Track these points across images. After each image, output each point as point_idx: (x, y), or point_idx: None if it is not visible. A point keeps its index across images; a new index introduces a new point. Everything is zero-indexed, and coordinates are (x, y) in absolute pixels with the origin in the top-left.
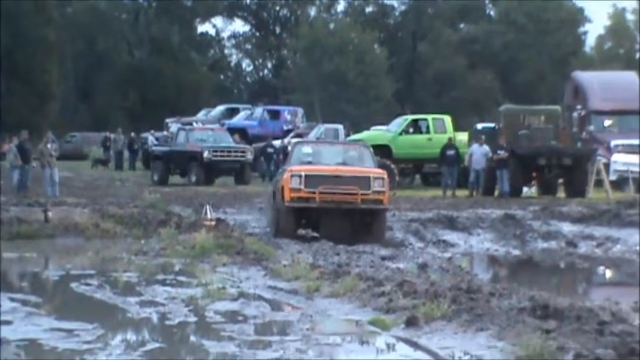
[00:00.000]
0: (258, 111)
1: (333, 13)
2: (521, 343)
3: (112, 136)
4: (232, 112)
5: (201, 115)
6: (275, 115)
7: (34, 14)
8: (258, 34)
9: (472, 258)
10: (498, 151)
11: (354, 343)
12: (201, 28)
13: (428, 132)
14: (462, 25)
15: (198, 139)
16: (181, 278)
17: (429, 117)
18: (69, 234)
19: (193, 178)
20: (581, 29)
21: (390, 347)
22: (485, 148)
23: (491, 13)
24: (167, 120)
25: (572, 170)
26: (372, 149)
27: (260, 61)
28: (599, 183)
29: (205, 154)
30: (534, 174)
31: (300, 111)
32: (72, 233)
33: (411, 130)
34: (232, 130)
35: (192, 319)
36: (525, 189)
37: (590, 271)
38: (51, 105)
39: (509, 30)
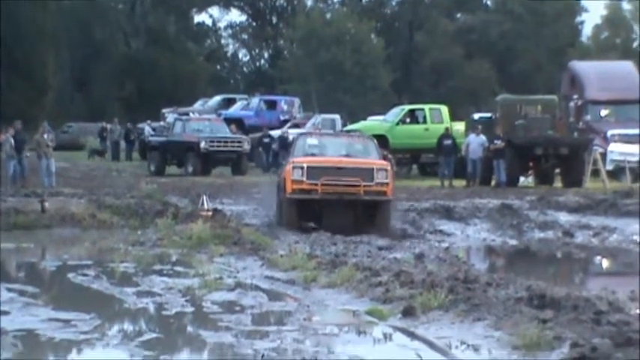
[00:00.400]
0: (255, 101)
1: (330, 3)
2: (518, 333)
3: (109, 126)
4: (229, 103)
5: (197, 105)
6: (272, 105)
7: (30, 5)
8: (254, 24)
9: (469, 248)
10: (495, 141)
11: (351, 333)
12: (198, 18)
13: (425, 122)
14: (458, 15)
15: (195, 130)
16: (178, 269)
17: (426, 107)
18: (66, 224)
19: (190, 169)
20: (578, 19)
21: (387, 337)
22: (482, 137)
23: (488, 2)
24: (164, 110)
25: (569, 160)
26: (374, 141)
27: (257, 51)
28: (595, 173)
29: (202, 145)
30: (531, 164)
31: (296, 101)
32: (69, 224)
33: (408, 120)
34: (229, 121)
35: (189, 309)
36: (522, 179)
37: (586, 260)
38: (47, 95)
39: (506, 20)
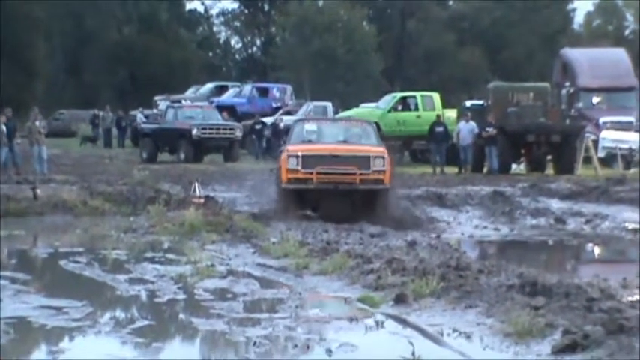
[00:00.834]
0: (247, 88)
1: None
2: (509, 320)
3: (101, 113)
4: (221, 90)
5: (189, 92)
6: (264, 92)
7: None
8: (246, 11)
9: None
10: (487, 129)
11: (343, 320)
12: (190, 5)
13: (417, 109)
14: (450, 2)
15: (187, 117)
16: (170, 256)
17: (418, 94)
18: (58, 211)
19: (182, 156)
20: (570, 6)
21: (379, 324)
22: (472, 124)
23: None
24: (156, 97)
25: (561, 147)
26: (374, 126)
27: (249, 38)
28: (587, 160)
29: (194, 132)
30: (523, 151)
31: (289, 88)
32: (61, 211)
33: (400, 107)
34: (221, 108)
35: (181, 296)
36: (514, 166)
37: (578, 247)
38: (38, 82)
39: (497, 7)
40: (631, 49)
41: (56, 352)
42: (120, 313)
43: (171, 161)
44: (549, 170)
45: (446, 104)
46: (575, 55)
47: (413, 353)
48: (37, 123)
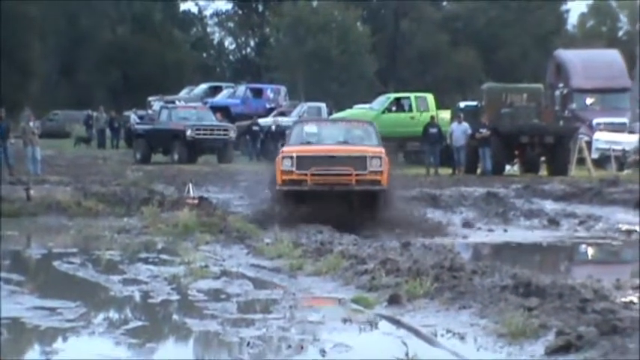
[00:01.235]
0: (241, 89)
1: None
2: (503, 321)
3: (95, 114)
4: (215, 91)
5: (183, 93)
6: (258, 93)
7: None
8: (240, 12)
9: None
10: (481, 130)
11: (336, 320)
12: (184, 5)
13: (411, 110)
14: (444, 3)
15: (181, 118)
16: (164, 256)
17: (412, 95)
18: (51, 212)
19: (176, 157)
20: (564, 7)
21: (372, 325)
22: (465, 125)
23: None
24: (150, 98)
25: (555, 148)
26: (376, 127)
27: (243, 39)
28: (581, 161)
29: (188, 133)
30: (517, 152)
31: (283, 89)
32: (54, 211)
33: (394, 108)
34: (215, 109)
35: (175, 297)
36: (508, 167)
37: (572, 249)
38: (31, 82)
39: (491, 7)
40: (625, 50)
41: (50, 352)
42: (113, 314)
43: (165, 162)
44: (543, 171)
45: (440, 105)
46: (568, 56)
47: (407, 354)
48: (31, 123)
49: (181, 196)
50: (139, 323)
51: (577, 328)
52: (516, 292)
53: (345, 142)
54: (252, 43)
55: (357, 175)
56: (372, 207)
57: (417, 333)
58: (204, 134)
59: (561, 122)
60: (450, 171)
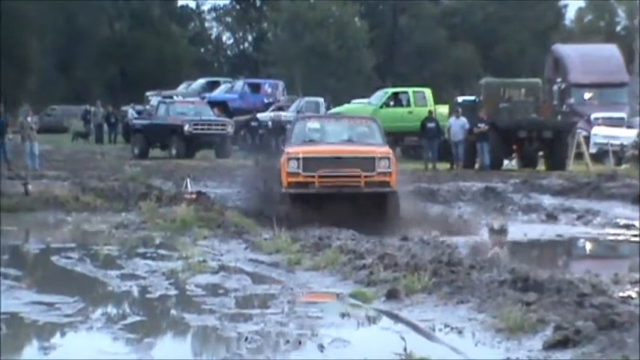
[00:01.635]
0: (239, 84)
1: None
2: (501, 316)
3: (92, 109)
4: (213, 86)
5: (181, 88)
6: (256, 88)
7: None
8: (238, 7)
9: None
10: (479, 124)
11: (335, 315)
12: (182, 1)
13: (409, 105)
14: None
15: (179, 113)
16: (162, 251)
17: (410, 90)
18: (49, 207)
19: (174, 152)
20: (562, 2)
21: (370, 320)
22: (463, 120)
23: None
24: (148, 93)
25: (553, 143)
26: (380, 123)
27: (240, 34)
28: (579, 156)
29: (186, 128)
30: (515, 147)
31: (280, 84)
32: (52, 206)
33: (392, 103)
34: (213, 104)
35: (173, 292)
36: (506, 162)
37: (570, 243)
38: (29, 77)
39: (489, 3)
40: (623, 45)
41: (48, 348)
42: (111, 309)
43: (162, 157)
44: (541, 166)
45: (438, 100)
46: (566, 50)
47: (405, 349)
48: (29, 119)
49: (179, 191)
50: (137, 318)
51: (575, 323)
52: (514, 287)
53: (350, 141)
54: (249, 38)
55: (365, 176)
56: (381, 209)
57: (415, 328)
58: (202, 129)
59: (559, 117)
60: (447, 166)
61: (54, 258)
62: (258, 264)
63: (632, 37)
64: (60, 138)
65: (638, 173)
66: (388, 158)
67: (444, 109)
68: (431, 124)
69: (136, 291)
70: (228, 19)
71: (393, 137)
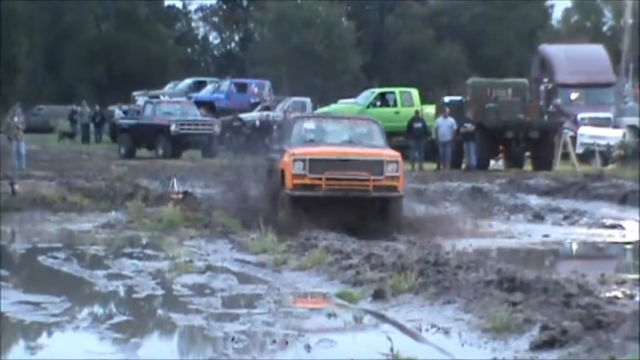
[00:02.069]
0: (226, 84)
1: None
2: (488, 316)
3: (79, 109)
4: (200, 86)
5: (168, 88)
6: (242, 88)
7: None
8: (225, 7)
9: None
10: (466, 124)
11: (321, 315)
12: (168, 1)
13: (395, 105)
14: None
15: (166, 113)
16: (149, 251)
17: (397, 90)
18: (36, 207)
19: (160, 151)
20: (548, 2)
21: (357, 320)
22: (451, 120)
23: None
24: (134, 93)
25: (539, 143)
26: (381, 124)
27: (227, 34)
28: (565, 156)
29: (172, 128)
30: (501, 147)
31: (267, 84)
32: (39, 206)
33: (379, 103)
34: (199, 104)
35: (160, 292)
36: (492, 162)
37: (556, 244)
38: (18, 77)
39: (476, 3)
40: (609, 45)
41: (34, 347)
42: (98, 309)
43: (149, 157)
44: (527, 166)
45: (424, 100)
46: (553, 51)
47: (391, 349)
48: (16, 118)
49: (166, 191)
50: (124, 318)
51: (561, 323)
52: (501, 287)
53: (351, 142)
54: (236, 38)
55: (373, 180)
56: (386, 214)
57: (401, 328)
58: (189, 129)
59: (546, 117)
60: (434, 166)
61: (40, 258)
62: (244, 264)
63: (618, 37)
64: (46, 138)
65: (625, 173)
66: (397, 162)
67: (430, 110)
68: (418, 125)
69: (122, 291)
70: (215, 19)
71: None
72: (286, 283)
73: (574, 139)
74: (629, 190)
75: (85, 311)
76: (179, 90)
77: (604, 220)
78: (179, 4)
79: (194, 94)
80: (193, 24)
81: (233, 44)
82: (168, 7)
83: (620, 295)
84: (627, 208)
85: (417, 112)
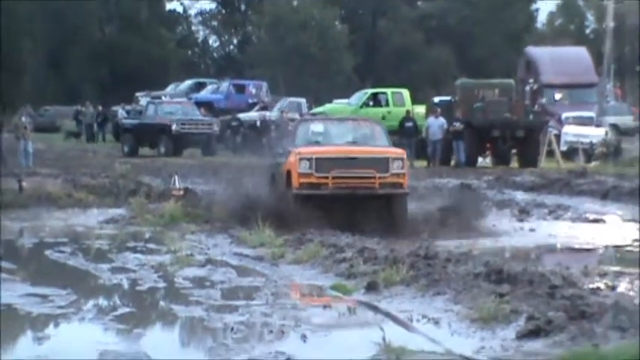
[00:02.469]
0: (225, 85)
1: None
2: (476, 307)
3: (83, 109)
4: (200, 87)
5: (169, 89)
6: (241, 89)
7: None
8: (224, 11)
9: None
10: (454, 123)
11: (316, 306)
12: (170, 5)
13: (387, 105)
14: (419, 2)
15: (167, 112)
16: (151, 246)
17: (389, 91)
18: (43, 203)
19: (162, 150)
20: (534, 6)
21: (351, 311)
22: (442, 120)
23: None
24: (137, 94)
25: (525, 141)
26: (383, 125)
27: (226, 37)
28: (550, 153)
29: (174, 127)
30: (489, 145)
31: (264, 85)
32: (45, 203)
33: (371, 103)
34: (200, 104)
35: (162, 284)
36: (480, 159)
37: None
38: (24, 80)
39: (464, 6)
40: (592, 47)
41: (42, 338)
42: (103, 301)
43: (151, 155)
44: (514, 163)
45: (415, 100)
46: (538, 52)
47: (383, 339)
48: (23, 118)
49: (167, 188)
50: (127, 309)
51: (546, 314)
52: (488, 279)
53: (355, 143)
54: (235, 41)
55: (379, 177)
56: (394, 211)
57: (393, 318)
58: (189, 128)
59: (531, 116)
60: (424, 163)
61: (47, 252)
62: (243, 257)
63: (600, 39)
64: (52, 137)
65: (607, 170)
66: (402, 159)
67: (421, 109)
68: (409, 124)
69: (126, 283)
70: (214, 23)
71: None
72: (283, 276)
73: (558, 137)
74: (610, 186)
75: (90, 303)
76: (180, 91)
77: (587, 215)
78: (180, 9)
79: (194, 95)
80: (193, 27)
81: (231, 47)
82: (170, 11)
83: (602, 286)
84: (609, 203)
85: (408, 111)
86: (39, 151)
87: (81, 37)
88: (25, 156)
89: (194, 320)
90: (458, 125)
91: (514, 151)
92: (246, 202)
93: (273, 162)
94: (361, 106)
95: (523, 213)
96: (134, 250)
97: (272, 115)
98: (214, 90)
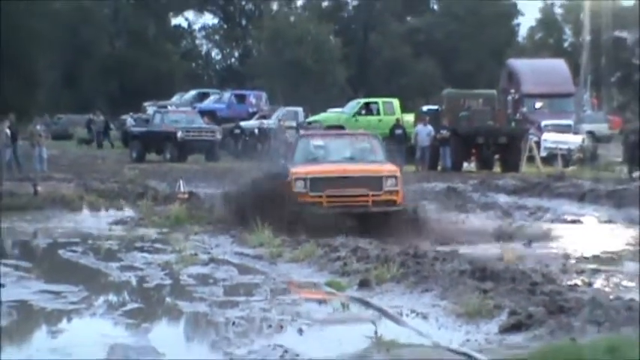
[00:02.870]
0: (227, 95)
1: (293, 7)
2: (461, 302)
3: (95, 117)
4: (203, 97)
5: (175, 99)
6: (241, 98)
7: (24, 7)
8: (226, 26)
9: None
10: (441, 131)
11: (312, 302)
12: (175, 21)
13: (379, 114)
14: (408, 18)
15: (173, 121)
16: (158, 245)
17: (380, 100)
18: (56, 206)
19: (168, 156)
20: (515, 21)
21: (344, 306)
22: (429, 127)
23: (435, 6)
24: (145, 104)
25: (507, 147)
26: (380, 138)
27: (228, 50)
28: (531, 159)
29: (179, 134)
30: (473, 151)
31: (264, 95)
32: (59, 205)
33: (364, 112)
34: (203, 113)
35: (168, 282)
36: (465, 164)
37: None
38: (39, 90)
39: (450, 22)
40: (569, 59)
41: (55, 331)
42: (112, 297)
43: (158, 161)
44: (497, 168)
45: (404, 109)
46: (519, 64)
47: (375, 332)
48: (38, 127)
49: (173, 192)
50: (136, 305)
51: (527, 309)
52: (473, 277)
53: (353, 158)
54: (236, 54)
55: (372, 195)
56: (389, 228)
57: (384, 313)
58: (194, 135)
59: (513, 124)
60: (413, 168)
61: (60, 251)
62: (243, 256)
63: (577, 52)
64: (66, 144)
65: (584, 174)
66: (395, 177)
67: (410, 117)
68: (398, 131)
69: (134, 281)
70: (217, 37)
71: None
72: (281, 274)
73: (538, 143)
74: (587, 189)
75: (101, 299)
76: (185, 100)
77: (565, 216)
78: (184, 24)
79: (198, 104)
80: (197, 41)
81: (233, 59)
82: (175, 26)
83: (580, 283)
84: (586, 205)
85: (397, 119)
86: (53, 157)
87: (92, 51)
88: (39, 161)
89: (198, 315)
90: (444, 132)
91: (497, 156)
92: (248, 206)
93: (274, 172)
94: (354, 115)
95: (505, 214)
96: (142, 249)
97: (271, 123)
98: (217, 100)
